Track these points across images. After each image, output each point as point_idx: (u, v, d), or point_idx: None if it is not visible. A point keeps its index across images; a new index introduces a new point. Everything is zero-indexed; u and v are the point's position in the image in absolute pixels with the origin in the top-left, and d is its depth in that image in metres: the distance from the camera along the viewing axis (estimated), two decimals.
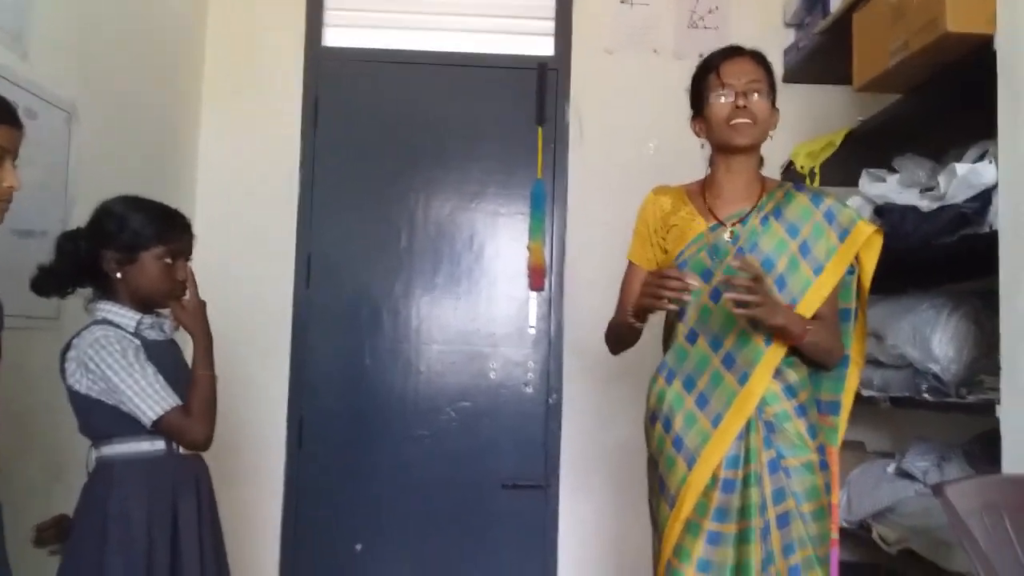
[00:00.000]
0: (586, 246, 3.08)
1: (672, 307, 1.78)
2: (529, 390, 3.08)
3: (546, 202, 3.08)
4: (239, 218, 3.11)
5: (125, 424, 1.64)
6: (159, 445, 1.68)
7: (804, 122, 2.97)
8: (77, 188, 2.18)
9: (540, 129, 3.09)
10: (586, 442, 3.06)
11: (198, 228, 3.03)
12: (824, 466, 1.87)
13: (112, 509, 1.61)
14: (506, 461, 3.05)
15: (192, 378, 1.73)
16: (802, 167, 2.67)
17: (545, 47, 3.16)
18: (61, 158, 2.14)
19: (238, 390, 3.04)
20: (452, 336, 3.09)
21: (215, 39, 3.15)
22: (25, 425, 1.92)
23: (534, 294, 3.09)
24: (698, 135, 2.00)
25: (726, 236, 1.93)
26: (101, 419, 1.65)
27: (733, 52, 1.96)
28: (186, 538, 1.67)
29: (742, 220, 1.94)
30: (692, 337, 1.91)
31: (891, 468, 2.47)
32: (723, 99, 1.90)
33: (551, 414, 3.07)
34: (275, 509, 3.04)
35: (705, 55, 2.04)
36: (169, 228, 1.75)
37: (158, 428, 1.65)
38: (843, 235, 1.90)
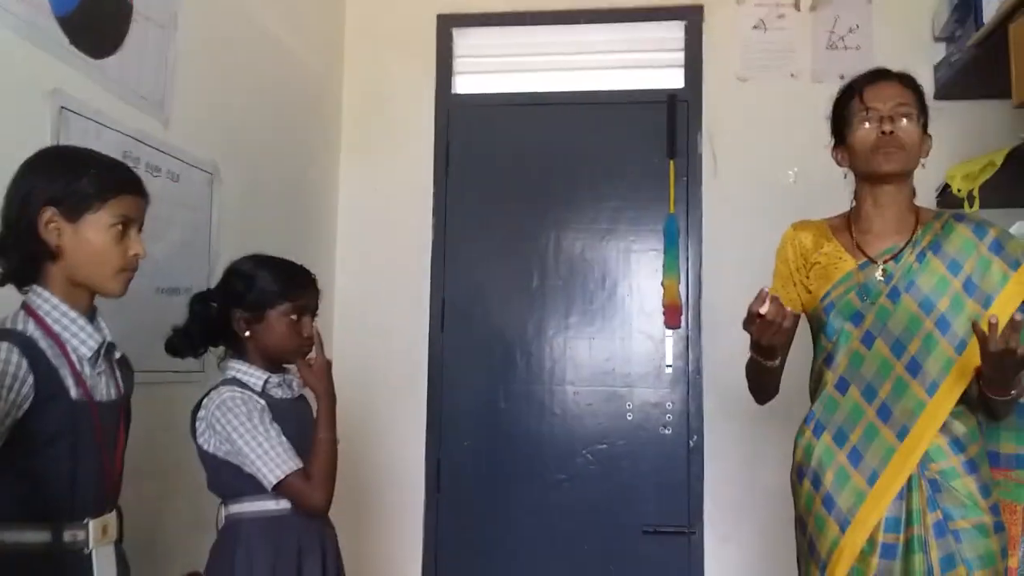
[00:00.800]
0: (723, 281, 2.96)
1: (782, 323, 1.63)
2: (668, 432, 2.97)
3: (680, 237, 2.98)
4: (377, 266, 3.18)
5: (251, 484, 1.66)
6: (284, 505, 1.69)
7: (960, 141, 2.76)
8: (220, 246, 2.26)
9: (672, 162, 3.00)
10: (731, 486, 2.92)
11: (339, 279, 3.21)
12: (1000, 527, 1.68)
13: (238, 567, 1.63)
14: (647, 506, 2.95)
15: (313, 441, 1.73)
16: (959, 190, 2.48)
17: (675, 79, 3.08)
18: (204, 217, 2.24)
19: (376, 435, 3.11)
20: (587, 377, 3.03)
21: (351, 93, 3.25)
22: (171, 479, 2.00)
23: (670, 332, 2.99)
24: (840, 164, 1.88)
25: (878, 275, 1.78)
26: (228, 478, 1.69)
27: (878, 75, 1.84)
28: None
29: (895, 257, 1.79)
30: (843, 386, 1.77)
31: None
32: (867, 125, 1.77)
33: (693, 456, 2.95)
34: (415, 553, 3.05)
35: (847, 77, 1.92)
36: (293, 285, 1.77)
37: (279, 491, 1.67)
38: (1015, 264, 1.73)
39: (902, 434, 1.67)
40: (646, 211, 3.04)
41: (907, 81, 1.83)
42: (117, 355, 1.47)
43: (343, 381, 3.11)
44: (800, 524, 1.81)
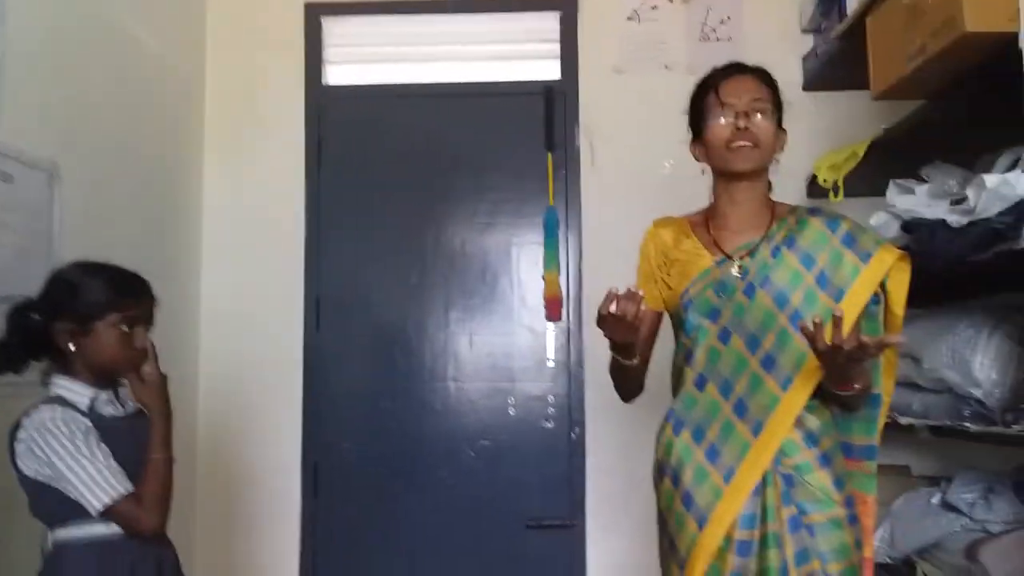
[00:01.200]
0: (603, 273, 2.93)
1: (634, 321, 1.60)
2: (550, 425, 2.95)
3: (559, 229, 2.96)
4: (246, 263, 3.05)
5: (76, 508, 1.54)
6: (115, 528, 1.58)
7: (827, 133, 2.82)
8: (64, 251, 2.09)
9: (550, 154, 2.97)
10: (613, 477, 2.92)
11: (206, 278, 3.06)
12: (853, 520, 1.69)
13: None
14: (530, 500, 2.93)
15: (147, 462, 1.62)
16: (824, 180, 2.53)
17: (552, 71, 3.05)
18: (43, 220, 2.08)
19: (251, 438, 2.99)
20: (469, 372, 2.98)
21: (215, 86, 3.11)
22: (7, 499, 1.84)
23: (552, 325, 2.97)
24: (698, 160, 1.87)
25: (734, 271, 1.77)
26: (51, 504, 1.56)
27: (733, 69, 1.82)
28: None
29: (751, 252, 1.78)
30: (701, 383, 1.76)
31: (936, 499, 2.30)
32: (722, 120, 1.75)
33: (575, 449, 2.94)
34: (291, 559, 2.95)
35: None
36: (124, 293, 1.64)
37: (106, 516, 1.55)
38: (866, 257, 1.73)
39: (757, 429, 1.66)
40: (526, 204, 3.00)
41: (763, 76, 1.82)
42: None
43: (214, 385, 3.02)
44: (661, 522, 1.80)
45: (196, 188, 3.04)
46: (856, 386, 1.64)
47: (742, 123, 1.73)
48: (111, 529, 1.57)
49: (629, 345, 1.71)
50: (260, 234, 3.06)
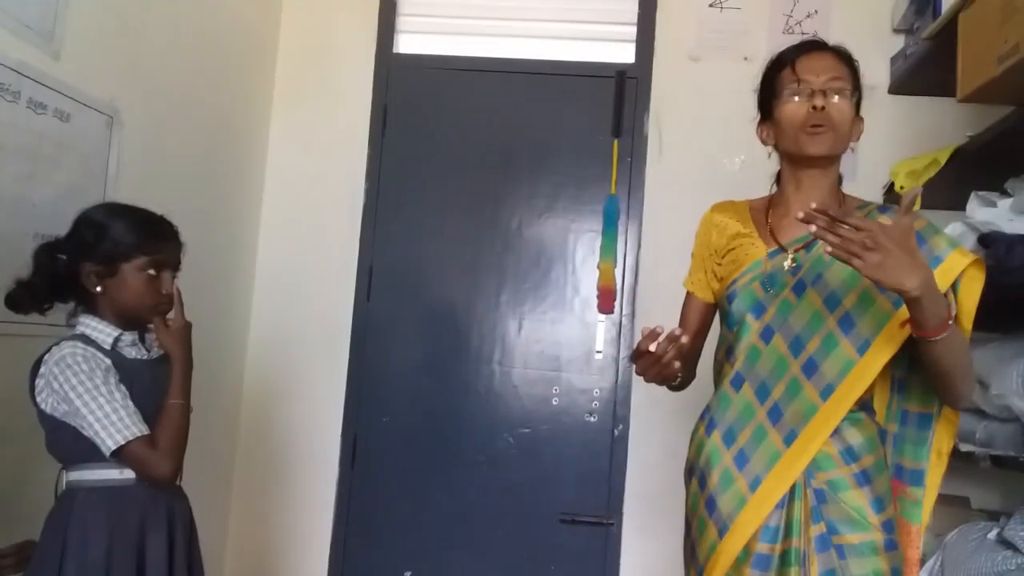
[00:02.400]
0: (661, 267, 2.85)
1: (670, 362, 1.50)
2: (593, 419, 2.88)
3: (619, 219, 2.87)
4: (304, 225, 3.05)
5: (91, 449, 1.53)
6: (129, 474, 1.56)
7: (909, 139, 2.67)
8: (119, 194, 2.11)
9: (616, 141, 2.89)
10: (653, 477, 2.83)
11: (262, 237, 3.07)
12: (891, 546, 1.55)
13: (71, 541, 1.50)
14: (566, 493, 2.86)
15: (163, 406, 1.60)
16: (902, 188, 2.39)
17: (626, 54, 2.96)
18: (100, 163, 2.09)
19: (295, 402, 3.00)
20: (514, 357, 2.92)
21: (288, 43, 3.10)
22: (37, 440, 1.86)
23: (603, 317, 2.89)
24: (765, 143, 1.74)
25: (786, 265, 1.65)
26: (66, 441, 1.55)
27: (812, 46, 1.69)
28: None
29: (807, 246, 1.65)
30: (737, 382, 1.65)
31: (992, 534, 2.15)
32: (797, 99, 1.62)
33: (616, 446, 2.85)
34: (325, 527, 2.94)
35: None
36: (152, 237, 1.62)
37: (118, 458, 1.53)
38: (935, 262, 1.56)
39: (790, 439, 1.55)
40: (586, 190, 2.92)
41: (843, 55, 1.68)
42: None
43: (262, 346, 3.03)
44: (687, 524, 1.71)
45: (261, 146, 3.04)
46: (943, 334, 1.42)
47: (819, 102, 1.59)
48: (124, 475, 1.56)
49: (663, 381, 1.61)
50: (320, 198, 3.05)
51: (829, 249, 1.38)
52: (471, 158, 2.98)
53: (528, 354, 2.92)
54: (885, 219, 1.63)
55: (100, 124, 2.07)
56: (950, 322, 1.44)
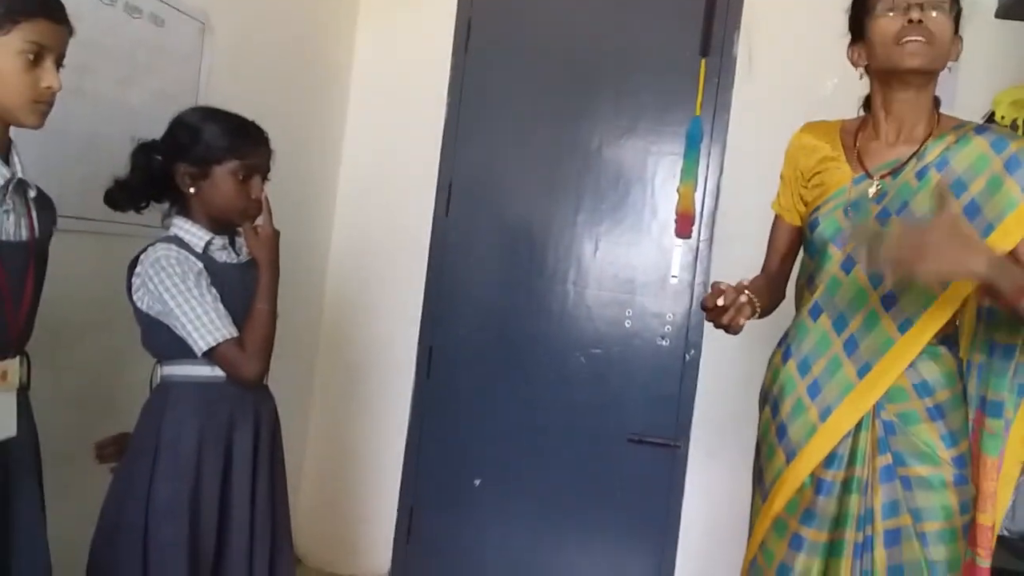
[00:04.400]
0: (742, 193, 2.80)
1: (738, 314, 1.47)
2: (665, 343, 2.88)
3: (702, 142, 2.82)
4: (386, 137, 3.09)
5: (184, 347, 1.59)
6: (219, 371, 1.62)
7: (1015, 66, 2.54)
8: (210, 99, 2.15)
9: (704, 61, 2.81)
10: (722, 403, 2.84)
11: (347, 145, 3.11)
12: (962, 480, 1.54)
13: (165, 433, 1.58)
14: (635, 415, 2.89)
15: (251, 311, 1.65)
16: (1003, 117, 2.29)
17: None
18: (192, 68, 2.14)
19: (374, 311, 3.08)
20: (589, 278, 2.93)
21: None
22: (132, 333, 1.95)
23: (680, 242, 2.87)
24: (856, 65, 1.65)
25: (871, 192, 1.59)
26: (161, 339, 1.62)
27: None
28: (239, 473, 1.62)
29: (894, 172, 1.58)
30: (815, 312, 1.62)
31: None
32: (892, 13, 1.53)
33: (687, 371, 2.86)
34: (399, 435, 3.04)
35: None
36: (243, 142, 1.65)
37: (209, 358, 1.60)
38: None
39: (863, 371, 1.53)
40: (670, 111, 2.87)
41: None
42: (32, 193, 1.38)
43: (344, 254, 3.10)
44: (757, 449, 1.72)
45: (347, 55, 3.06)
46: (1012, 298, 1.37)
47: (915, 15, 1.50)
48: (215, 373, 1.63)
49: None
50: (402, 111, 3.06)
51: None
52: (553, 75, 2.94)
53: (603, 276, 2.93)
54: (979, 140, 1.56)
55: (192, 30, 2.11)
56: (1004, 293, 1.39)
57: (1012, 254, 1.49)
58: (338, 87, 3.03)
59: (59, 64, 1.33)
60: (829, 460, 1.55)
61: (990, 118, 2.41)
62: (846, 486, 1.53)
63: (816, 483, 1.55)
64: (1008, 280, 1.36)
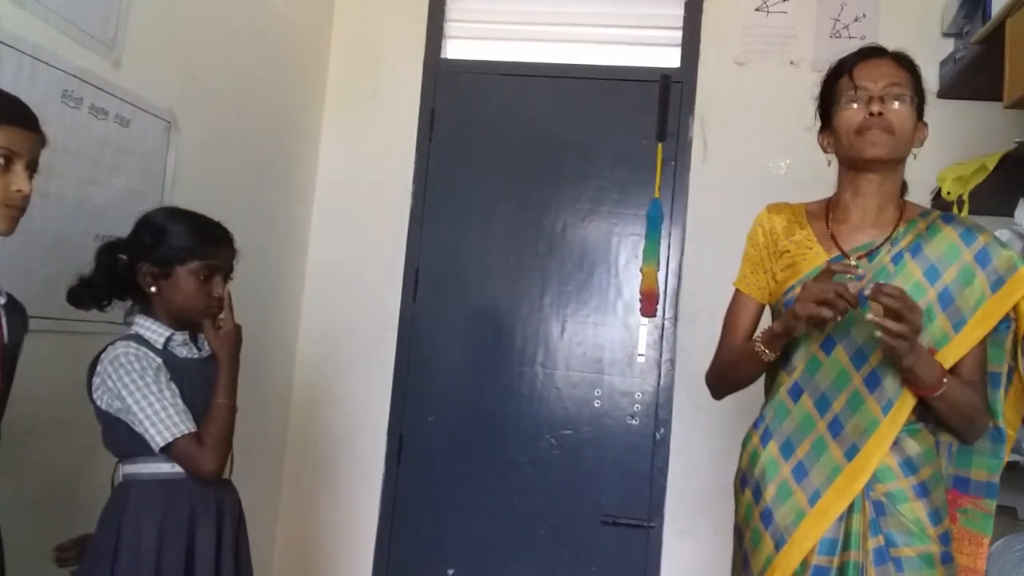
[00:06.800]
0: (704, 271, 2.86)
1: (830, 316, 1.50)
2: (635, 422, 2.89)
3: (663, 223, 2.88)
4: (353, 227, 3.12)
5: (143, 444, 1.58)
6: (179, 468, 1.61)
7: (957, 144, 2.64)
8: (176, 198, 2.17)
9: (660, 145, 2.90)
10: (695, 482, 2.84)
11: (314, 236, 3.14)
12: (947, 558, 1.54)
13: (124, 532, 1.55)
14: (608, 495, 2.88)
15: (211, 406, 1.65)
16: (948, 193, 2.36)
17: (671, 58, 2.97)
18: (158, 167, 2.16)
19: (344, 399, 3.06)
20: (557, 359, 2.95)
21: (338, 49, 3.17)
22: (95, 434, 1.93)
23: (646, 320, 2.90)
24: (825, 151, 1.72)
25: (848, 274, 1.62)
26: (120, 437, 1.61)
27: (870, 52, 1.66)
28: (201, 570, 1.59)
29: (870, 254, 1.63)
30: (796, 393, 1.63)
31: None
32: (855, 105, 1.60)
33: (658, 449, 2.87)
34: (370, 524, 3.00)
35: None
36: (206, 242, 1.67)
37: (167, 453, 1.59)
38: (997, 284, 1.57)
39: (851, 453, 1.55)
40: (630, 194, 2.94)
41: (903, 60, 1.67)
42: (2, 300, 1.39)
43: (312, 343, 3.10)
44: (738, 534, 1.70)
45: (312, 150, 3.11)
46: (939, 391, 1.50)
47: (876, 108, 1.58)
48: (175, 469, 1.61)
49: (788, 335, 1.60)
50: (369, 201, 3.11)
51: (879, 334, 1.44)
52: (517, 162, 3.01)
53: (571, 356, 2.95)
54: (948, 229, 1.64)
55: (158, 129, 2.15)
56: (946, 380, 1.52)
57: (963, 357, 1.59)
58: (304, 178, 3.07)
59: (32, 170, 1.35)
60: (823, 545, 1.54)
61: (937, 194, 2.49)
62: (842, 571, 1.52)
63: (812, 570, 1.53)
64: (929, 375, 1.50)
